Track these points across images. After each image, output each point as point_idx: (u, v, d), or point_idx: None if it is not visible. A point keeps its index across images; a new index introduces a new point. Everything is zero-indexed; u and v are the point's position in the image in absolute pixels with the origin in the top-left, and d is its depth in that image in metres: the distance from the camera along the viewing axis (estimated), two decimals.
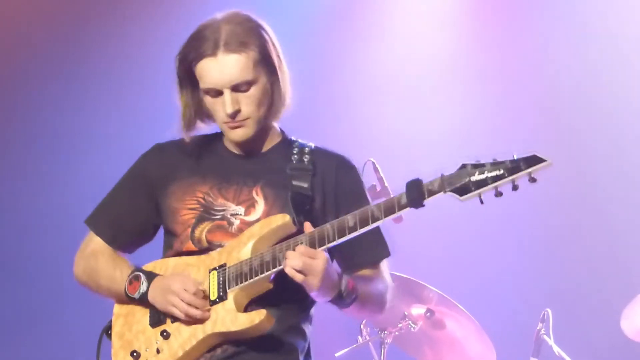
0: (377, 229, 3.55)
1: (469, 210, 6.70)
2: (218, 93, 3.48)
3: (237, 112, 3.48)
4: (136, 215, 3.67)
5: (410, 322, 5.60)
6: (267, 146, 3.62)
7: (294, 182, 3.52)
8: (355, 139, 7.06)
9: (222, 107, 3.48)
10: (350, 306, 3.41)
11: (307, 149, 3.60)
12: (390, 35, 7.32)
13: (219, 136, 3.67)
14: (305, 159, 3.56)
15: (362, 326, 5.67)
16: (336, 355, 5.69)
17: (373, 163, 5.63)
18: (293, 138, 3.65)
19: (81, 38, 6.84)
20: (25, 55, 6.80)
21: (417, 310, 5.66)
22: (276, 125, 3.64)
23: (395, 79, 7.27)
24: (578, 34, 7.14)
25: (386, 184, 5.52)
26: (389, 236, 6.29)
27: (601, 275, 6.98)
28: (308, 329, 3.58)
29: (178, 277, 3.46)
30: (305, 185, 3.51)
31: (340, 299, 3.36)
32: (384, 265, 3.64)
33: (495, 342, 5.59)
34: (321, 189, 3.53)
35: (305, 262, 3.26)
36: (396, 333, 5.62)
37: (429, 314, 5.64)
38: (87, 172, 6.68)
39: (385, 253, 3.64)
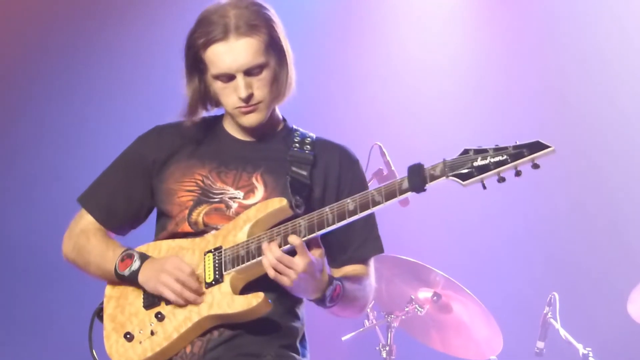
0: (373, 223, 3.55)
1: (475, 194, 6.77)
2: (230, 78, 3.45)
3: (250, 96, 3.45)
4: (130, 196, 3.61)
5: (417, 305, 5.61)
6: (269, 133, 3.58)
7: (293, 169, 3.49)
8: (362, 122, 7.09)
9: (234, 91, 3.44)
10: (332, 308, 3.39)
11: (308, 138, 3.57)
12: (398, 24, 7.38)
13: (219, 119, 3.65)
14: (306, 149, 3.53)
15: (368, 310, 5.65)
16: (343, 339, 5.72)
17: (380, 147, 5.66)
18: (294, 126, 3.63)
19: (79, 35, 6.87)
20: (21, 53, 6.82)
21: (424, 294, 5.68)
22: (278, 112, 3.61)
23: (403, 63, 7.33)
24: (583, 29, 7.20)
25: (393, 168, 5.54)
26: (395, 220, 6.12)
27: (608, 259, 6.99)
28: (303, 313, 3.54)
29: (172, 258, 3.41)
30: (304, 173, 3.47)
31: (321, 302, 3.34)
32: (372, 262, 3.60)
33: (501, 325, 5.59)
34: (322, 180, 3.49)
35: (278, 265, 3.24)
36: (403, 317, 5.64)
37: (435, 297, 5.65)
38: (83, 169, 6.49)
39: (378, 249, 3.59)
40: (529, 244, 7.12)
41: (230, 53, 3.41)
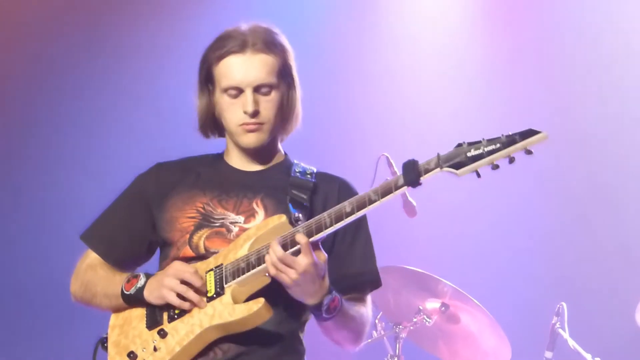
0: (371, 255, 3.55)
1: (484, 203, 6.96)
2: (239, 92, 3.45)
3: (256, 113, 3.45)
4: (131, 230, 3.62)
5: (425, 316, 5.60)
6: (269, 164, 3.59)
7: (294, 191, 3.49)
8: (368, 133, 7.10)
9: (241, 106, 3.44)
10: (327, 322, 3.36)
11: (309, 170, 3.58)
12: (401, 31, 7.38)
13: (220, 156, 3.65)
14: (307, 177, 3.54)
15: (376, 321, 5.66)
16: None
17: (387, 157, 5.64)
18: (296, 161, 3.63)
19: (83, 38, 6.87)
20: (24, 56, 6.83)
21: (432, 304, 5.67)
22: (280, 147, 3.62)
23: (408, 74, 7.32)
24: (588, 29, 7.20)
25: None
26: (402, 230, 6.23)
27: (617, 268, 6.99)
28: (303, 337, 3.54)
29: (174, 262, 3.41)
30: (304, 196, 3.48)
31: (318, 310, 3.31)
32: (369, 298, 3.58)
33: (510, 336, 5.58)
34: (322, 208, 3.43)
35: (279, 264, 3.24)
36: (411, 327, 5.63)
37: (443, 308, 5.64)
38: (89, 176, 6.73)
39: (375, 283, 3.58)
40: (537, 254, 7.12)
41: (245, 66, 3.44)
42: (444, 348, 5.76)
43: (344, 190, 3.54)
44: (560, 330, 5.71)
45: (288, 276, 3.22)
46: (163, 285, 3.36)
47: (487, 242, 7.11)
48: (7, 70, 6.76)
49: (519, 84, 7.22)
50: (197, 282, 3.33)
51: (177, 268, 3.36)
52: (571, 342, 5.68)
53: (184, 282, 3.34)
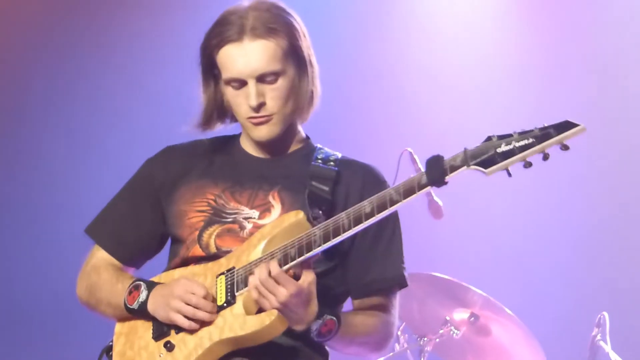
0: (398, 251, 3.44)
1: (518, 205, 7.07)
2: (242, 84, 3.33)
3: (261, 105, 3.32)
4: (138, 223, 3.52)
5: (452, 327, 5.49)
6: (289, 150, 3.48)
7: (314, 183, 3.36)
8: (391, 127, 7.04)
9: (245, 99, 3.33)
10: (327, 343, 3.29)
11: (332, 156, 3.46)
12: (432, 23, 7.35)
13: (235, 138, 3.54)
14: (329, 165, 3.42)
15: (399, 333, 5.55)
16: None
17: (410, 153, 5.57)
18: (319, 145, 3.52)
19: (86, 35, 6.83)
20: (27, 54, 6.79)
21: (460, 314, 5.53)
22: (301, 129, 3.51)
23: (436, 65, 7.26)
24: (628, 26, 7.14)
25: None
26: (428, 234, 6.24)
27: None
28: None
29: (181, 281, 3.28)
30: (326, 188, 3.36)
31: (308, 335, 3.21)
32: (396, 298, 3.46)
33: (546, 349, 5.45)
34: (344, 199, 3.35)
35: (261, 287, 3.15)
36: (437, 340, 5.50)
37: (472, 318, 5.49)
38: (93, 174, 6.69)
39: (400, 282, 3.44)
40: (576, 259, 7.01)
41: (243, 56, 3.31)
42: None
43: (369, 178, 3.43)
44: (602, 343, 5.55)
45: (269, 303, 3.14)
46: (170, 307, 3.26)
47: (521, 246, 7.02)
48: (7, 71, 6.76)
49: (556, 78, 7.15)
50: (206, 307, 3.22)
51: (185, 289, 3.25)
52: (613, 356, 5.50)
53: (191, 303, 3.26)
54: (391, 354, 5.49)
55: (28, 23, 6.73)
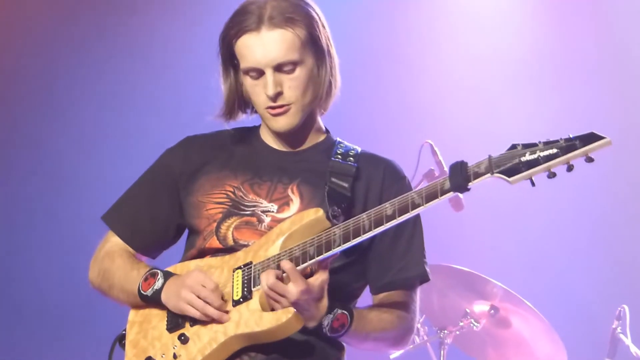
0: (419, 246, 3.42)
1: (537, 196, 6.94)
2: (259, 73, 3.31)
3: (279, 95, 3.31)
4: (155, 212, 3.49)
5: (472, 320, 5.49)
6: (308, 143, 3.46)
7: (333, 179, 3.35)
8: (412, 119, 7.06)
9: (263, 89, 3.31)
10: (340, 338, 3.27)
11: (352, 151, 3.45)
12: (452, 18, 7.39)
13: (256, 129, 3.52)
14: (349, 161, 3.40)
15: (419, 325, 5.56)
16: (391, 357, 5.56)
17: (431, 145, 5.56)
18: (338, 139, 3.50)
19: (100, 34, 6.89)
20: (36, 52, 6.82)
21: (480, 307, 5.53)
22: (321, 122, 3.48)
23: (456, 57, 7.31)
24: None
25: (445, 168, 5.47)
26: (449, 226, 6.21)
27: None
28: None
29: (194, 272, 3.26)
30: (345, 185, 3.34)
31: (319, 330, 3.19)
32: (417, 292, 3.44)
33: (566, 341, 5.45)
34: (364, 195, 3.35)
35: (270, 292, 3.14)
36: (457, 332, 5.52)
37: (493, 311, 5.50)
38: (105, 171, 6.68)
39: (422, 276, 3.41)
40: (596, 251, 7.02)
41: (261, 45, 3.29)
42: (493, 355, 5.65)
43: (388, 174, 3.42)
44: (622, 336, 5.57)
45: (281, 305, 3.13)
46: (180, 297, 3.24)
47: (541, 239, 7.02)
48: (7, 70, 6.78)
49: (577, 73, 7.18)
50: (215, 302, 3.20)
51: (196, 281, 3.23)
52: (633, 349, 5.53)
53: (201, 296, 3.24)
54: (411, 346, 5.47)
55: (28, 23, 6.74)
